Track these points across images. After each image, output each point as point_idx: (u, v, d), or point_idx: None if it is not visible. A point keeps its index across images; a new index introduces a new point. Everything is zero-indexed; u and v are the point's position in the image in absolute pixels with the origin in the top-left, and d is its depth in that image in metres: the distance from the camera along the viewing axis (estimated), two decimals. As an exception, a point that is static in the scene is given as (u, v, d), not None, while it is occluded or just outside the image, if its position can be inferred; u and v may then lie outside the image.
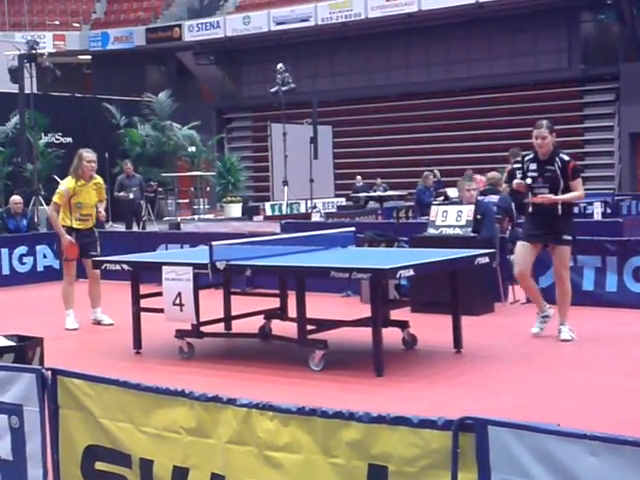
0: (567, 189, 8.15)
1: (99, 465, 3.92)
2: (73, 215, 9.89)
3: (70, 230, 9.87)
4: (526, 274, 8.49)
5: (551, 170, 8.17)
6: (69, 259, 9.94)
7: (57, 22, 40.46)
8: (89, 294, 10.01)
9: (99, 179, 10.24)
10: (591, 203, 16.88)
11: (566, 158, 8.21)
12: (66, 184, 9.89)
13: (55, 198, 9.93)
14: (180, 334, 8.27)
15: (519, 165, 8.51)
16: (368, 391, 6.71)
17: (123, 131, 27.93)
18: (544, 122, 8.30)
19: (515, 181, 8.53)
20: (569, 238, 8.28)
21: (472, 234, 9.99)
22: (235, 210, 23.02)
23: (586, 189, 28.70)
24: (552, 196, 8.10)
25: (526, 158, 8.42)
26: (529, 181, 8.28)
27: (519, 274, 8.48)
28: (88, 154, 10.04)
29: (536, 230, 8.31)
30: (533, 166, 8.28)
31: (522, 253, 8.43)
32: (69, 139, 27.10)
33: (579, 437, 2.78)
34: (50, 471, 3.99)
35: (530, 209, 8.38)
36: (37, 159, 21.27)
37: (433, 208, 10.78)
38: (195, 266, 7.81)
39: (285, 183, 22.65)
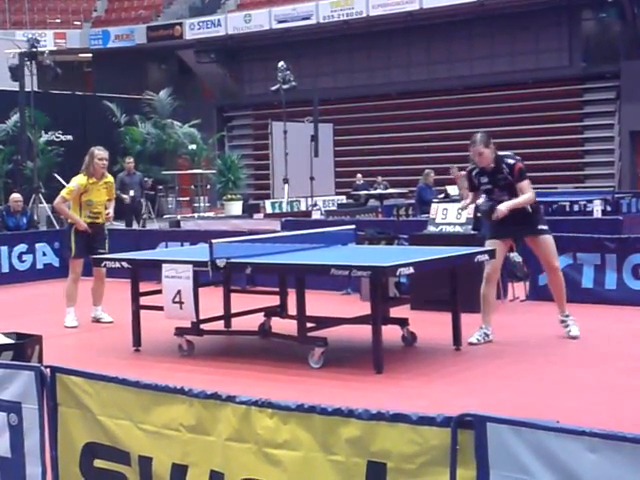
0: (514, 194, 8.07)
1: (98, 462, 3.92)
2: (83, 212, 9.86)
3: (76, 238, 9.84)
4: (495, 276, 8.34)
5: (502, 178, 8.10)
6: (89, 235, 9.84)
7: (58, 20, 40.46)
8: (92, 291, 9.99)
9: (110, 177, 10.22)
10: (591, 201, 16.89)
11: (511, 162, 8.11)
12: (77, 181, 9.87)
13: (64, 192, 9.92)
14: (180, 332, 8.27)
15: (475, 171, 8.33)
16: (367, 388, 6.71)
17: (124, 129, 27.94)
18: (477, 138, 8.11)
19: (463, 203, 8.50)
20: (545, 227, 8.23)
21: (472, 232, 9.99)
22: (235, 208, 22.99)
23: (586, 187, 28.74)
24: (502, 209, 7.94)
25: (474, 172, 8.31)
26: (482, 197, 8.26)
27: (488, 275, 8.21)
28: (100, 152, 9.99)
29: (506, 225, 8.08)
30: (484, 179, 8.21)
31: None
32: (69, 137, 27.11)
33: (578, 434, 2.77)
34: (49, 468, 3.99)
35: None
36: (37, 157, 21.27)
37: (433, 206, 10.78)
38: (195, 264, 7.81)
39: (285, 181, 22.63)
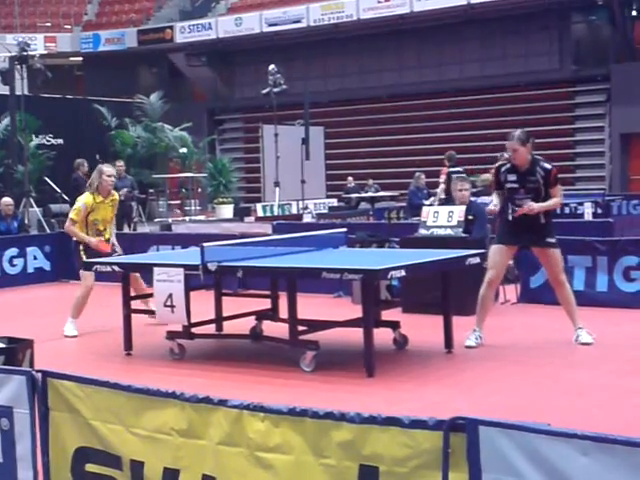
0: (547, 196, 7.98)
1: (89, 467, 3.91)
2: (89, 231, 9.69)
3: (85, 246, 9.66)
4: (497, 281, 8.31)
5: (533, 181, 7.96)
6: (103, 253, 9.58)
7: (48, 24, 40.37)
8: (136, 291, 9.62)
9: (116, 195, 10.10)
10: (582, 203, 16.92)
11: (548, 166, 8.02)
12: (83, 200, 9.68)
13: (72, 214, 9.71)
14: (171, 335, 8.25)
15: (505, 167, 8.19)
16: (359, 392, 6.71)
17: (114, 133, 27.88)
18: (515, 134, 8.04)
19: (489, 208, 8.35)
20: (553, 241, 8.10)
21: (463, 235, 10.00)
22: (226, 211, 23.03)
23: (577, 189, 28.78)
24: (534, 205, 7.87)
25: (502, 169, 8.14)
26: (506, 192, 8.08)
27: (491, 279, 8.14)
28: (108, 168, 9.90)
29: (514, 233, 8.06)
30: (512, 177, 8.03)
31: (497, 257, 8.14)
32: (60, 141, 27.04)
33: (570, 437, 2.78)
34: (40, 473, 3.98)
35: (510, 217, 8.08)
36: (28, 161, 21.20)
37: (424, 209, 10.79)
38: (186, 267, 7.80)
39: (277, 184, 22.63)
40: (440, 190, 15.98)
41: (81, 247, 9.68)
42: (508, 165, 8.15)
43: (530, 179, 7.97)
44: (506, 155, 8.12)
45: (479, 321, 8.24)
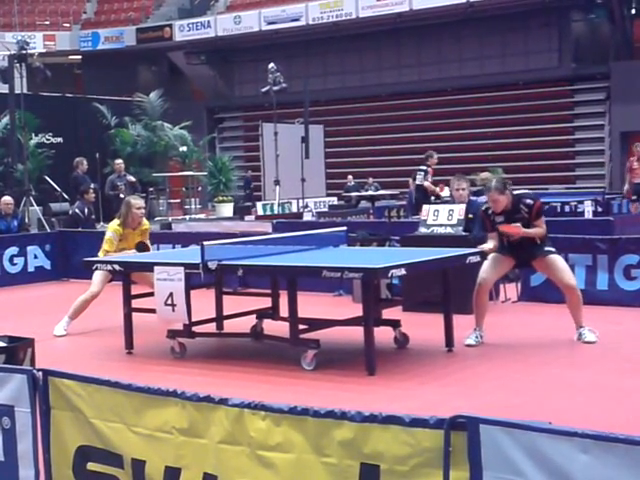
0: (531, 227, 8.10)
1: (91, 466, 3.92)
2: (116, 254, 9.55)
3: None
4: (485, 287, 8.24)
5: (519, 218, 8.06)
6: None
7: (47, 22, 40.37)
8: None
9: (147, 224, 10.08)
10: (582, 202, 16.93)
11: (530, 202, 8.07)
12: (113, 229, 9.67)
13: (105, 246, 9.62)
14: (172, 334, 8.26)
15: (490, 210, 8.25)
16: (360, 390, 6.71)
17: (114, 131, 27.86)
18: (492, 184, 8.09)
19: (485, 247, 8.34)
20: (552, 249, 8.13)
21: (463, 233, 10.00)
22: (226, 210, 23.03)
23: (577, 188, 28.75)
24: (522, 229, 7.99)
25: (489, 212, 8.22)
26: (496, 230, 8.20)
27: (480, 285, 8.13)
28: (136, 201, 9.92)
29: (513, 253, 8.20)
30: (500, 218, 8.14)
31: (492, 264, 8.16)
32: (60, 139, 27.02)
33: (570, 435, 2.79)
34: (42, 472, 3.98)
35: (505, 243, 8.20)
36: (28, 159, 21.19)
37: (424, 207, 10.78)
38: (187, 266, 7.80)
39: (277, 183, 22.63)
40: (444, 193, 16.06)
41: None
42: (492, 209, 8.24)
43: (516, 217, 8.08)
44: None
45: (477, 322, 8.26)
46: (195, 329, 8.28)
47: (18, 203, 18.19)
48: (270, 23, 34.66)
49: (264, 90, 23.42)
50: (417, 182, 17.01)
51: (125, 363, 8.12)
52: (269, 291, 8.99)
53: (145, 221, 10.07)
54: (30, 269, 14.31)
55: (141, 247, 9.64)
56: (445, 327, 7.98)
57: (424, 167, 16.78)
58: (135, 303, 8.57)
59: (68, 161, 20.89)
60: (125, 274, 8.60)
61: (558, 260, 8.13)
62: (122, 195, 19.21)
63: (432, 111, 32.93)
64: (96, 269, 8.85)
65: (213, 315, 8.95)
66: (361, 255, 8.93)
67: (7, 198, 15.64)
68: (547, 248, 8.11)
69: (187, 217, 24.43)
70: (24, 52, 20.08)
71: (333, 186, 28.27)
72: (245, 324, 8.81)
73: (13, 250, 14.13)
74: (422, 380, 7.04)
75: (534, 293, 10.42)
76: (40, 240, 14.84)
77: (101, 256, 9.51)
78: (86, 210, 15.94)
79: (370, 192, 25.43)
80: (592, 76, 30.44)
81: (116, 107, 28.68)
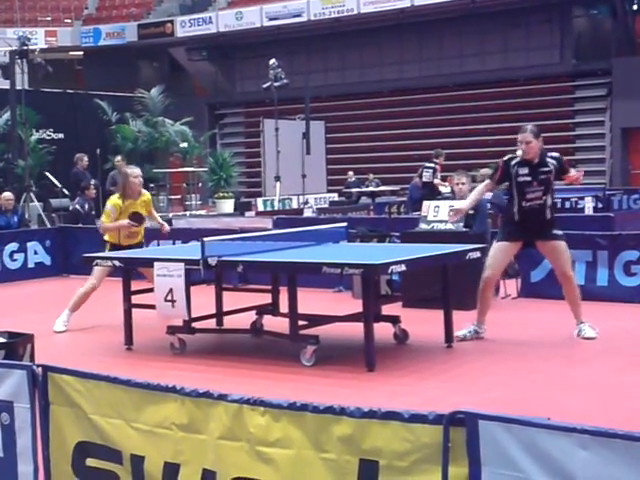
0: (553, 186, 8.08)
1: (90, 461, 3.91)
2: (121, 233, 9.62)
3: (117, 246, 9.59)
4: (493, 281, 8.24)
5: (546, 172, 7.94)
6: (135, 226, 9.59)
7: (49, 18, 40.33)
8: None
9: (147, 195, 9.99)
10: (582, 198, 16.92)
11: (557, 155, 8.09)
12: (112, 202, 9.62)
13: (103, 218, 9.68)
14: (171, 330, 8.26)
15: (515, 160, 8.09)
16: (359, 386, 6.72)
17: (115, 127, 27.83)
18: (528, 126, 8.00)
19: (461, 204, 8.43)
20: (560, 233, 8.05)
21: (464, 229, 10.00)
22: (227, 206, 22.98)
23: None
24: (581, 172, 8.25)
25: (513, 162, 8.04)
26: (515, 186, 8.02)
27: (488, 279, 8.11)
28: (133, 170, 9.81)
29: (520, 229, 8.02)
30: (524, 170, 7.94)
31: (498, 255, 8.08)
32: (61, 135, 26.99)
33: (569, 431, 2.78)
34: (41, 467, 3.98)
35: (516, 217, 8.06)
36: (28, 155, 21.19)
37: (425, 203, 10.79)
38: (187, 262, 7.80)
39: (277, 179, 22.61)
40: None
41: (108, 246, 9.66)
42: (517, 159, 8.07)
43: (542, 170, 7.95)
44: (519, 152, 8.05)
45: (479, 317, 8.25)
46: (195, 325, 8.29)
47: (18, 199, 18.19)
48: (272, 19, 34.62)
49: (265, 86, 23.39)
50: (424, 179, 17.05)
51: (124, 359, 8.13)
52: (269, 287, 8.99)
53: (145, 192, 9.99)
54: (30, 265, 14.32)
55: (134, 217, 9.57)
56: (445, 323, 7.99)
57: (432, 164, 16.80)
58: (135, 299, 8.58)
59: (69, 157, 20.87)
60: (125, 270, 8.60)
61: (562, 247, 8.04)
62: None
63: (433, 107, 32.90)
64: (96, 265, 8.85)
65: (213, 311, 8.96)
66: (361, 251, 8.94)
67: (7, 194, 15.66)
68: (556, 231, 8.04)
69: (187, 213, 24.40)
70: (25, 48, 20.07)
71: (334, 182, 28.25)
72: (245, 320, 8.82)
73: (13, 246, 14.14)
74: (421, 376, 7.05)
75: (534, 289, 10.42)
76: (40, 236, 14.85)
77: (100, 225, 9.77)
78: (86, 206, 15.94)
79: (371, 188, 25.41)
80: (593, 72, 30.40)
81: (117, 103, 28.65)
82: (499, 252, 8.14)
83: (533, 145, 7.91)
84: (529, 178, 7.96)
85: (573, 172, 8.21)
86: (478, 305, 8.23)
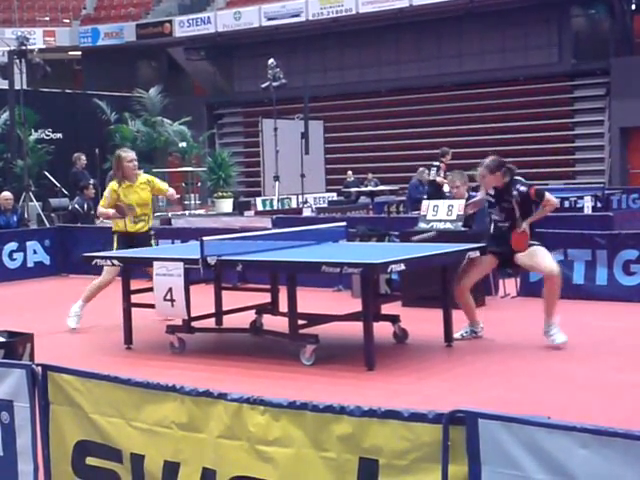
0: (526, 214, 7.86)
1: (90, 460, 3.92)
2: (127, 219, 9.46)
3: (124, 234, 9.47)
4: (465, 289, 8.12)
5: (507, 201, 7.91)
6: (119, 217, 9.44)
7: (47, 18, 40.30)
8: None
9: (148, 176, 9.80)
10: (581, 197, 16.93)
11: (524, 189, 7.84)
12: (109, 188, 9.50)
13: (101, 203, 9.60)
14: (171, 329, 8.26)
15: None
16: (359, 385, 6.72)
17: (114, 127, 27.86)
18: (485, 161, 8.05)
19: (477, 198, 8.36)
20: (534, 242, 7.88)
21: (463, 228, 10.00)
22: (226, 205, 22.99)
23: (576, 183, 28.65)
24: (525, 228, 7.83)
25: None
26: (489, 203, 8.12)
27: (460, 288, 8.06)
28: (127, 153, 9.62)
29: (494, 244, 8.00)
30: (492, 192, 8.06)
31: (473, 265, 8.02)
32: (59, 135, 27.02)
33: (569, 429, 2.79)
34: (41, 466, 3.98)
35: (491, 230, 8.14)
36: (27, 155, 21.19)
37: (424, 202, 10.79)
38: (186, 261, 7.80)
39: (276, 178, 22.62)
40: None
41: (115, 237, 9.58)
42: None
43: (504, 198, 7.95)
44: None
45: (469, 318, 8.27)
46: (194, 324, 8.29)
47: (18, 198, 18.19)
48: (270, 19, 34.61)
49: (264, 86, 23.40)
50: (430, 177, 17.07)
51: (124, 358, 8.12)
52: (268, 286, 8.99)
53: (145, 174, 9.84)
54: (29, 264, 14.31)
55: (119, 208, 9.42)
56: (444, 322, 7.99)
57: (437, 163, 16.82)
58: (134, 298, 8.58)
59: (68, 157, 20.88)
60: (124, 269, 8.60)
61: (539, 249, 7.89)
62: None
63: (432, 107, 32.89)
64: (95, 264, 8.84)
65: (212, 310, 8.95)
66: (360, 250, 8.94)
67: (7, 193, 15.67)
68: (530, 242, 7.90)
69: (187, 212, 24.41)
70: (24, 48, 20.07)
71: (333, 182, 28.26)
72: (244, 319, 8.82)
73: (12, 245, 14.14)
74: (421, 375, 7.05)
75: (533, 288, 10.40)
76: (39, 235, 14.85)
77: (98, 213, 9.80)
78: (85, 206, 15.96)
79: (370, 188, 25.40)
80: (592, 72, 30.40)
81: (116, 103, 28.68)
82: (475, 263, 8.05)
83: (488, 180, 8.03)
84: (493, 200, 8.10)
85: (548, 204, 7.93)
86: (463, 309, 8.21)
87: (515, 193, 7.88)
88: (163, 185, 9.96)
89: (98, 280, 9.50)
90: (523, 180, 8.10)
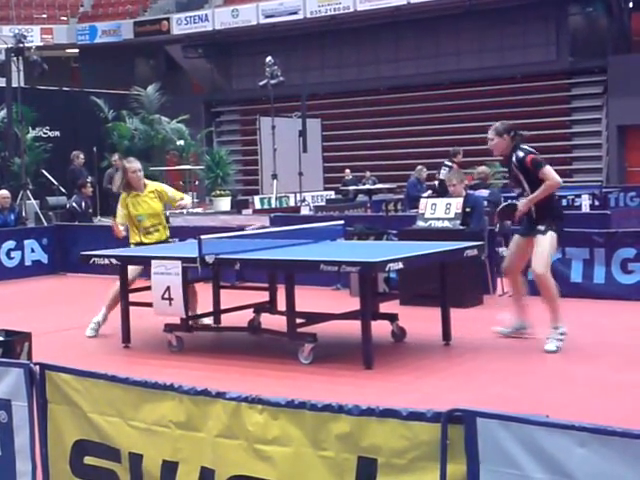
0: (537, 182, 7.56)
1: (88, 459, 3.91)
2: (139, 230, 9.25)
3: (141, 245, 9.20)
4: (509, 273, 8.05)
5: (510, 170, 7.80)
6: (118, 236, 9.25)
7: (44, 15, 40.26)
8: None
9: (157, 185, 9.55)
10: (579, 195, 16.93)
11: (520, 154, 7.62)
12: (120, 203, 9.29)
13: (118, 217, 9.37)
14: (169, 328, 8.26)
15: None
16: (357, 384, 6.72)
17: (111, 125, 27.83)
18: (494, 125, 7.89)
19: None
20: (542, 228, 7.58)
21: (461, 227, 10.01)
22: (224, 204, 22.97)
23: (574, 181, 28.61)
24: (523, 204, 7.63)
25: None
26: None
27: (504, 269, 8.12)
28: (130, 164, 9.35)
29: (525, 223, 7.86)
30: (505, 168, 7.96)
31: (511, 246, 8.06)
32: (57, 133, 26.98)
33: (567, 428, 2.79)
34: (39, 466, 3.98)
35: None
36: (25, 153, 21.16)
37: (422, 201, 10.80)
38: (184, 260, 7.80)
39: (274, 177, 22.60)
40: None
41: (132, 244, 9.32)
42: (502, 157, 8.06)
43: (510, 167, 7.80)
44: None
45: (515, 308, 8.14)
46: (192, 323, 8.28)
47: (15, 197, 18.16)
48: (268, 16, 34.58)
49: (262, 84, 23.37)
50: (441, 176, 17.03)
51: (122, 357, 8.12)
52: (266, 285, 8.99)
53: (152, 183, 9.55)
54: (27, 263, 14.31)
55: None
56: (442, 321, 7.99)
57: (449, 162, 16.78)
58: (132, 297, 8.57)
59: (65, 155, 20.86)
60: (122, 268, 8.60)
61: (541, 242, 7.58)
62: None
63: (430, 104, 32.88)
64: (93, 262, 8.83)
65: (210, 309, 8.95)
66: (358, 249, 8.94)
67: (4, 192, 15.64)
68: (540, 227, 7.60)
69: (184, 211, 24.36)
70: (21, 45, 20.02)
71: (331, 180, 28.23)
72: (242, 318, 8.82)
73: (10, 244, 14.14)
74: (419, 374, 7.05)
75: (531, 287, 10.41)
76: (37, 234, 14.84)
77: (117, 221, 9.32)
78: (83, 204, 15.94)
79: (368, 186, 25.40)
80: (590, 70, 30.39)
81: (113, 101, 28.64)
82: (512, 243, 8.06)
83: (495, 143, 7.82)
84: (508, 175, 7.99)
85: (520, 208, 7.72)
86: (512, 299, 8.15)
87: (513, 159, 7.68)
88: (175, 194, 9.56)
89: (115, 286, 9.00)
90: (526, 147, 7.79)
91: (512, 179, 7.93)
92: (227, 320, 8.91)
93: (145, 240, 9.26)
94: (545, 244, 7.59)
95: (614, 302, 9.83)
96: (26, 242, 14.34)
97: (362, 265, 7.02)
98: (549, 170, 7.59)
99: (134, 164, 9.38)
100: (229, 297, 9.17)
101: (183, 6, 38.78)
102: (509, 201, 8.10)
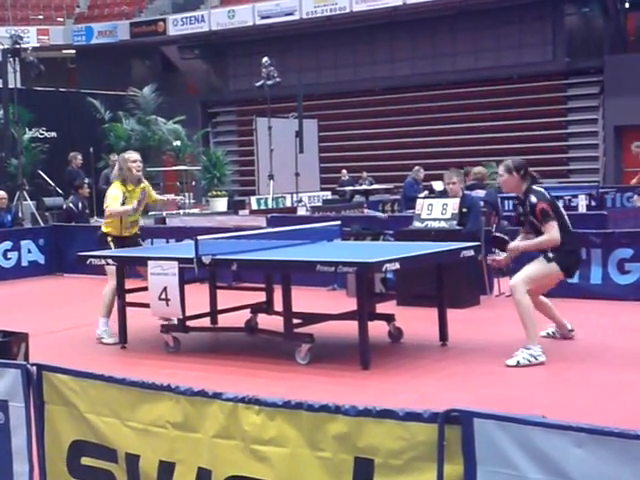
0: (540, 230, 7.34)
1: (85, 460, 3.91)
2: (123, 224, 9.13)
3: (119, 239, 9.14)
4: (535, 294, 7.64)
5: (524, 213, 7.52)
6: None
7: (41, 16, 40.25)
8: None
9: (146, 182, 9.44)
10: (576, 196, 16.95)
11: (533, 200, 7.33)
12: (115, 188, 9.06)
13: (109, 202, 8.97)
14: (166, 329, 8.25)
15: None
16: (354, 384, 6.72)
17: (108, 126, 27.78)
18: (505, 161, 7.62)
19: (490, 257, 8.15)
20: (550, 255, 7.32)
21: (457, 227, 10.01)
22: (221, 204, 22.96)
23: (570, 182, 28.65)
24: (514, 245, 7.55)
25: (517, 201, 7.80)
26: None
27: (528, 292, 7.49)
28: (132, 155, 9.26)
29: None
30: (520, 209, 7.61)
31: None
32: (53, 134, 26.95)
33: (564, 429, 2.79)
34: (36, 466, 3.98)
35: None
36: (21, 154, 21.13)
37: (418, 201, 10.80)
38: (181, 260, 7.80)
39: (271, 177, 22.60)
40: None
41: (109, 238, 9.15)
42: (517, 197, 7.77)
43: (524, 209, 7.54)
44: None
45: (551, 320, 8.04)
46: (189, 323, 8.28)
47: (12, 197, 18.15)
48: (264, 17, 34.60)
49: (258, 84, 23.38)
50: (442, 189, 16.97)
51: (119, 358, 8.12)
52: (263, 285, 8.99)
53: (144, 180, 9.44)
54: (24, 263, 14.30)
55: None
56: (439, 321, 7.99)
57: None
58: (129, 297, 8.56)
59: (62, 155, 20.84)
60: (120, 268, 8.59)
61: (538, 262, 7.43)
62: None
63: (426, 105, 32.90)
64: (90, 263, 8.82)
65: (207, 309, 8.95)
66: (355, 249, 8.94)
67: (1, 192, 15.64)
68: (549, 253, 7.37)
69: (181, 212, 24.37)
70: (17, 46, 20.01)
71: (327, 180, 28.25)
72: (239, 318, 8.81)
73: (7, 244, 14.13)
74: (416, 374, 7.05)
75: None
76: (34, 234, 14.83)
77: (109, 212, 9.01)
78: (80, 205, 15.93)
79: (364, 186, 25.41)
80: (586, 70, 30.42)
81: (110, 101, 28.60)
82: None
83: (504, 179, 7.57)
84: (522, 218, 7.61)
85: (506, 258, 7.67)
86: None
87: (527, 202, 7.43)
88: (154, 193, 9.73)
89: (106, 288, 8.92)
90: (541, 190, 7.53)
91: (522, 221, 7.63)
92: (224, 320, 8.91)
93: (125, 234, 9.18)
94: (540, 267, 7.41)
95: (611, 302, 9.83)
96: (23, 243, 14.33)
97: (359, 265, 7.02)
98: (552, 226, 7.30)
99: (135, 155, 9.33)
100: (226, 297, 9.17)
101: (179, 7, 38.79)
102: (503, 236, 7.96)
